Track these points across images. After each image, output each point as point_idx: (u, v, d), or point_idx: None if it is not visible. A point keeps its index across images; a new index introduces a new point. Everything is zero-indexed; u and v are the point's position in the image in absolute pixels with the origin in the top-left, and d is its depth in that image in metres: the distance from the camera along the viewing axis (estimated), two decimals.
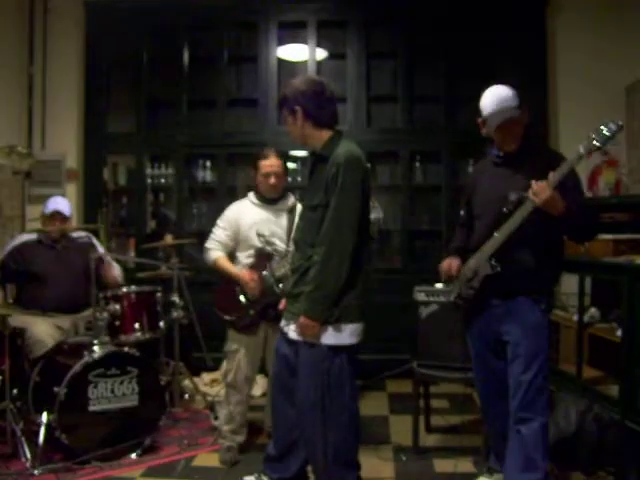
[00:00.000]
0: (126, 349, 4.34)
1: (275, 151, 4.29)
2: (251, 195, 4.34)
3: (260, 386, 5.64)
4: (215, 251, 4.28)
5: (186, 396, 5.38)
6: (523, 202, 3.05)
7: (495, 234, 3.15)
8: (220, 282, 4.31)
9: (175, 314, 5.02)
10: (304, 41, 6.43)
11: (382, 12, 6.38)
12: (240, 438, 4.25)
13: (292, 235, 3.70)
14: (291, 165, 6.51)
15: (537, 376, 3.15)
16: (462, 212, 3.64)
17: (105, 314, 4.42)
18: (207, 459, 4.22)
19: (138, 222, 6.54)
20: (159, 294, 4.84)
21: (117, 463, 4.05)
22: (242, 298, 4.15)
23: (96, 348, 4.19)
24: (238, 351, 4.16)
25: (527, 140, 3.24)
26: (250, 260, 4.19)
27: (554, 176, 2.96)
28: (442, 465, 4.04)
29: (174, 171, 6.57)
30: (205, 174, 6.68)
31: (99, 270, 4.75)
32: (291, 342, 3.22)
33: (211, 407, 4.90)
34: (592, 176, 5.43)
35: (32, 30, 6.45)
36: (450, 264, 3.47)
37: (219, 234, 4.29)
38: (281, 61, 6.47)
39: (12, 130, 6.15)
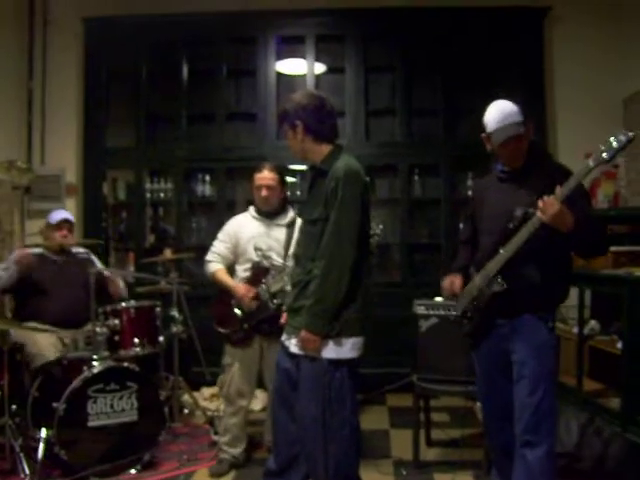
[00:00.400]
0: (125, 364, 4.32)
1: (271, 165, 4.33)
2: (251, 209, 4.38)
3: (260, 400, 5.62)
4: (214, 263, 4.32)
5: (185, 411, 5.36)
6: (529, 218, 2.99)
7: (501, 251, 3.11)
8: (217, 294, 4.36)
9: (174, 329, 5.02)
10: (303, 55, 6.45)
11: (380, 26, 6.41)
12: (235, 451, 4.26)
13: (292, 249, 3.72)
14: (290, 179, 6.50)
15: (544, 399, 3.06)
16: (462, 226, 3.61)
17: (104, 329, 4.41)
18: (206, 474, 4.20)
19: (137, 237, 6.54)
20: (158, 309, 4.83)
21: (116, 479, 4.03)
22: (237, 311, 4.19)
23: (95, 363, 4.18)
24: (233, 364, 4.23)
25: (532, 155, 3.20)
26: (247, 274, 4.22)
27: (561, 190, 2.88)
28: (443, 479, 4.03)
29: (173, 185, 6.58)
30: (204, 188, 6.69)
31: (104, 284, 4.76)
32: (292, 356, 3.20)
33: (211, 422, 4.88)
34: (591, 188, 5.43)
35: (31, 45, 6.47)
36: (452, 281, 3.42)
37: (219, 247, 4.34)
38: (280, 75, 6.49)
39: (11, 145, 6.16)
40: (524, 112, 3.15)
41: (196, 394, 5.51)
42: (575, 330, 4.51)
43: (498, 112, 3.15)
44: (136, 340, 4.62)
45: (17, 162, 5.44)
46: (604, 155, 2.81)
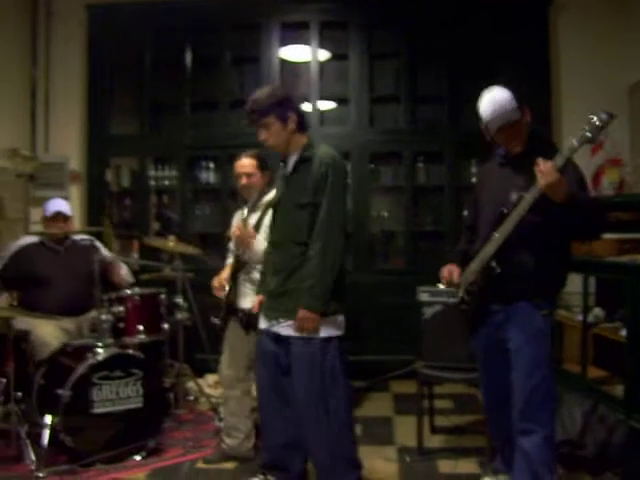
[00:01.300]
0: (130, 351, 4.33)
1: (250, 152, 4.21)
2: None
3: None
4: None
5: (190, 398, 5.38)
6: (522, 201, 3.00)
7: (495, 234, 3.11)
8: None
9: (179, 316, 5.01)
10: (306, 42, 6.43)
11: (384, 13, 6.39)
12: (230, 441, 4.14)
13: (263, 235, 3.72)
14: None
15: (539, 386, 3.06)
16: (465, 213, 3.62)
17: (109, 316, 4.42)
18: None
19: (142, 224, 6.55)
20: (163, 296, 4.84)
21: (121, 465, 4.05)
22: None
23: (100, 350, 4.19)
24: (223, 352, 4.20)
25: (533, 140, 3.20)
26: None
27: (555, 161, 2.89)
28: (446, 466, 4.04)
29: (177, 173, 6.57)
30: (208, 175, 6.69)
31: (106, 272, 4.76)
32: (280, 340, 3.24)
33: (215, 409, 4.89)
34: (596, 175, 5.41)
35: (35, 33, 6.48)
36: (450, 271, 3.43)
37: None
38: (283, 62, 6.47)
39: (16, 133, 6.16)
40: (521, 96, 3.14)
41: (200, 381, 5.52)
42: (579, 317, 4.50)
43: (490, 102, 3.14)
44: (141, 327, 4.63)
45: (21, 150, 5.45)
46: (587, 134, 2.85)
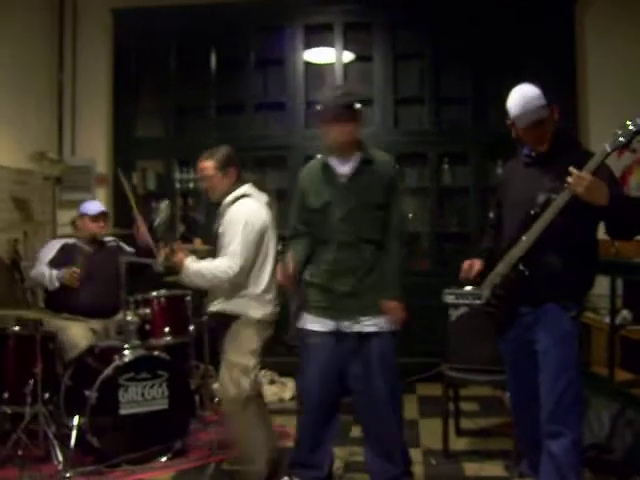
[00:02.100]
0: (156, 353, 4.35)
1: (208, 153, 3.92)
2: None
3: (290, 389, 5.65)
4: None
5: (216, 400, 5.39)
6: (551, 204, 2.98)
7: (523, 237, 3.08)
8: None
9: (204, 318, 5.03)
10: (330, 44, 6.43)
11: (408, 13, 6.38)
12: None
13: (338, 235, 3.38)
14: None
15: (567, 389, 3.04)
16: (491, 214, 3.59)
17: (135, 318, 4.45)
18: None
19: (167, 226, 6.57)
20: (189, 298, 4.86)
21: (147, 466, 4.07)
22: None
23: (127, 352, 4.21)
24: None
25: (558, 140, 3.16)
26: None
27: (588, 166, 2.82)
28: (472, 469, 4.02)
29: None
30: None
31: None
32: (358, 338, 3.28)
33: None
34: (623, 176, 5.37)
35: (61, 38, 6.55)
36: (471, 264, 3.39)
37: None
38: (308, 64, 6.48)
39: (43, 136, 6.23)
40: (548, 95, 3.11)
41: None
42: (607, 320, 4.46)
43: (520, 97, 3.12)
44: (167, 329, 4.65)
45: (48, 153, 5.51)
46: (621, 139, 2.78)
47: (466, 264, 3.40)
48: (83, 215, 4.93)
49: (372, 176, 3.31)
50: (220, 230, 3.66)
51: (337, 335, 3.33)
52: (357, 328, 3.29)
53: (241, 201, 3.69)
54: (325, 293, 3.37)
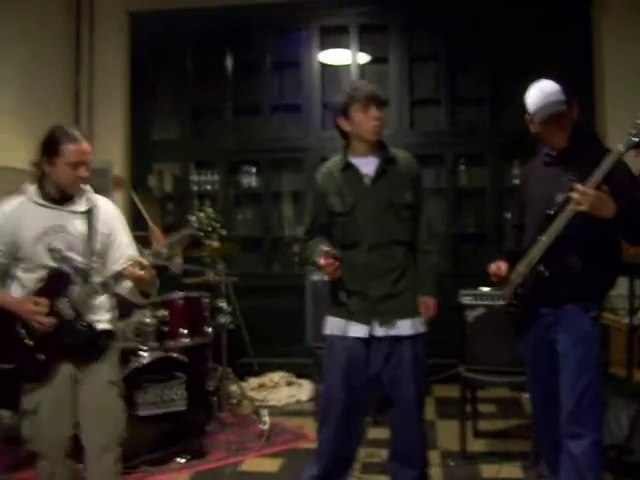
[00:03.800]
0: (174, 355, 4.38)
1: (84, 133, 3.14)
2: (31, 192, 3.06)
3: (306, 390, 5.66)
4: None
5: (233, 401, 5.41)
6: (570, 202, 2.95)
7: (542, 238, 3.06)
8: None
9: (222, 320, 5.05)
10: (346, 45, 6.44)
11: (423, 15, 6.39)
12: None
13: (368, 238, 3.24)
14: None
15: (588, 389, 3.00)
16: (508, 215, 3.57)
17: (153, 320, 4.47)
18: (255, 464, 4.24)
19: (184, 229, 6.59)
20: (206, 300, 4.88)
21: (165, 467, 4.10)
22: (24, 337, 2.96)
23: (144, 354, 4.24)
24: (38, 408, 2.94)
25: (578, 138, 3.13)
26: (39, 285, 2.98)
27: (595, 177, 2.81)
28: (490, 470, 4.00)
29: (219, 177, 6.64)
30: (250, 180, 6.73)
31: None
32: (396, 341, 3.21)
33: (258, 412, 4.91)
34: (639, 175, 5.32)
35: (78, 40, 6.59)
36: (499, 267, 3.38)
37: None
38: (324, 66, 6.50)
39: None
40: (567, 92, 3.09)
41: (243, 384, 5.56)
42: (625, 320, 4.44)
43: (539, 91, 3.11)
44: (184, 331, 4.67)
45: None
46: (634, 139, 2.75)
47: (493, 267, 3.38)
48: None
49: (396, 176, 3.27)
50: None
51: (370, 341, 3.22)
52: (393, 332, 3.19)
53: None
54: (358, 297, 3.23)
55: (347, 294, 3.25)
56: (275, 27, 6.54)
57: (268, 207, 6.53)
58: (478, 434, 4.62)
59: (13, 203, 3.03)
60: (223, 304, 5.08)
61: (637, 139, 2.74)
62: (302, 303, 4.94)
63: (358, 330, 3.20)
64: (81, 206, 3.10)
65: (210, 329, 4.86)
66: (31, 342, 2.93)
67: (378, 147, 3.29)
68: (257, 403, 5.26)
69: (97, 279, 3.01)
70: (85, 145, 3.01)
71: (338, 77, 6.53)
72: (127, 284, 3.06)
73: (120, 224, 3.28)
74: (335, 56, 6.51)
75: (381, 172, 3.25)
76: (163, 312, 4.60)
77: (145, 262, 2.96)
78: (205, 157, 6.70)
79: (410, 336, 3.19)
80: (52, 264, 2.96)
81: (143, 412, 4.10)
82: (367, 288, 3.21)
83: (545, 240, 3.03)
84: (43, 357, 2.93)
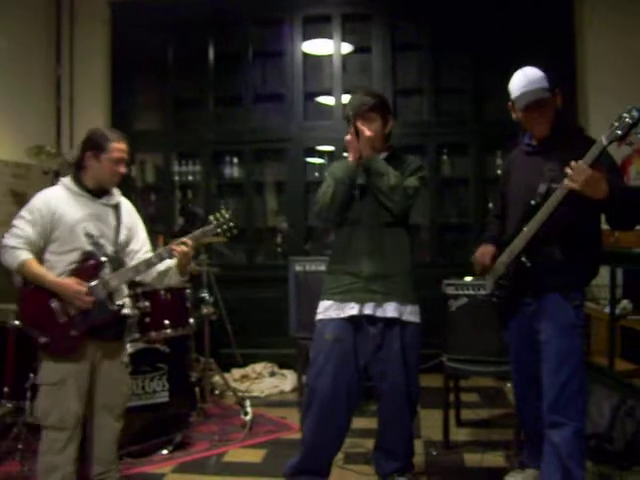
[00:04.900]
0: (156, 346, 4.35)
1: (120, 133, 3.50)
2: (69, 183, 3.36)
3: (290, 381, 5.66)
4: (23, 251, 3.20)
5: (216, 392, 5.40)
6: (552, 194, 2.95)
7: (524, 228, 3.06)
8: (26, 290, 3.30)
9: (205, 310, 5.04)
10: (329, 35, 6.42)
11: (406, 5, 6.36)
12: None
13: (360, 220, 3.33)
14: (319, 160, 6.55)
15: (570, 378, 3.02)
16: (491, 205, 3.57)
17: (135, 311, 4.44)
18: (238, 455, 4.23)
19: (166, 219, 6.59)
20: (189, 291, 4.86)
21: (148, 459, 4.08)
22: (59, 314, 3.20)
23: (127, 345, 4.20)
24: (62, 383, 3.19)
25: (560, 127, 3.13)
26: (73, 266, 3.25)
27: (585, 162, 2.77)
28: (473, 459, 4.01)
29: (201, 168, 6.61)
30: (232, 170, 6.70)
31: None
32: (385, 327, 3.22)
33: (241, 403, 4.90)
34: (623, 165, 5.35)
35: (59, 31, 6.53)
36: (484, 253, 3.37)
37: (27, 230, 3.22)
38: (306, 56, 6.47)
39: (41, 130, 6.22)
40: (551, 80, 3.09)
41: (226, 375, 5.54)
42: (607, 310, 4.47)
43: (523, 77, 3.11)
44: (167, 322, 4.64)
45: (46, 147, 5.48)
46: (617, 132, 2.73)
47: (479, 254, 3.38)
48: None
49: (397, 167, 3.30)
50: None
51: (359, 322, 3.23)
52: (380, 313, 3.21)
53: None
54: (350, 276, 3.27)
55: (340, 275, 3.30)
56: (257, 17, 6.50)
57: (251, 198, 6.50)
58: (461, 423, 4.63)
59: (53, 190, 3.36)
60: (205, 295, 5.07)
61: (620, 132, 2.73)
62: (285, 294, 4.92)
63: (348, 310, 3.23)
64: (112, 200, 3.43)
65: (193, 320, 4.84)
66: (65, 318, 3.20)
67: (386, 149, 3.43)
68: (240, 394, 5.25)
69: (131, 262, 3.37)
70: (124, 144, 3.39)
71: (321, 67, 6.52)
72: (165, 265, 3.39)
73: (139, 220, 3.58)
74: (318, 46, 6.48)
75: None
76: (145, 303, 4.56)
77: (189, 241, 3.28)
78: (187, 148, 6.67)
79: (400, 322, 3.20)
80: (87, 248, 3.26)
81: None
82: (360, 267, 3.25)
83: (527, 231, 3.03)
84: (75, 333, 3.20)
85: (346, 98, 6.42)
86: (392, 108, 6.14)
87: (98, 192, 3.37)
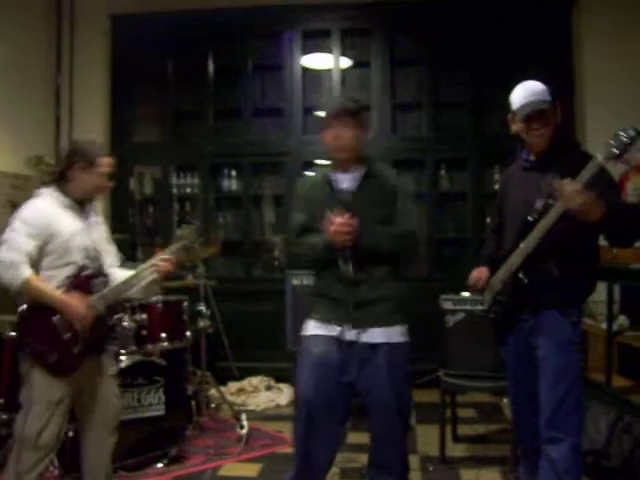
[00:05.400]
0: (153, 358, 4.34)
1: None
2: (56, 194, 3.26)
3: (286, 395, 5.64)
4: (24, 266, 3.06)
5: (212, 405, 5.39)
6: (549, 209, 2.96)
7: (521, 245, 3.06)
8: (27, 308, 3.17)
9: (202, 323, 5.03)
10: (328, 50, 6.44)
11: (406, 20, 6.39)
12: None
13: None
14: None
15: (567, 394, 3.00)
16: (488, 220, 3.57)
17: (132, 323, 4.44)
18: (234, 469, 4.22)
19: (164, 231, 6.58)
20: (186, 303, 4.85)
21: (143, 473, 4.06)
22: (62, 330, 3.12)
23: (123, 357, 4.20)
24: (62, 403, 3.14)
25: (558, 143, 3.13)
26: (69, 281, 3.17)
27: (579, 180, 2.77)
28: (469, 475, 4.00)
29: (200, 181, 6.61)
30: (231, 183, 6.71)
31: None
32: (370, 347, 3.14)
33: (237, 417, 4.89)
34: (620, 182, 5.36)
35: (60, 42, 6.54)
36: (479, 277, 3.38)
37: (27, 244, 3.09)
38: (305, 70, 6.50)
39: (40, 141, 6.22)
40: (552, 94, 3.10)
41: (223, 388, 5.53)
42: (604, 326, 4.46)
43: (525, 89, 3.11)
44: (163, 335, 4.63)
45: (45, 158, 5.49)
46: (614, 150, 2.73)
47: (474, 275, 3.38)
48: None
49: (376, 191, 3.18)
50: None
51: (344, 344, 3.17)
52: (365, 339, 3.13)
53: None
54: (334, 302, 3.21)
55: (326, 301, 3.23)
56: (257, 30, 6.53)
57: (249, 211, 6.51)
58: (457, 439, 4.62)
59: (43, 201, 3.22)
60: (202, 308, 5.06)
61: (617, 151, 2.73)
62: (282, 307, 4.92)
63: (333, 331, 3.18)
64: (91, 212, 3.38)
65: (189, 333, 4.83)
66: (69, 334, 3.11)
67: (361, 161, 3.22)
68: (236, 407, 5.23)
69: (123, 278, 3.28)
70: (110, 159, 3.41)
71: (320, 81, 6.53)
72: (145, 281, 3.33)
73: (106, 231, 3.52)
74: (317, 60, 6.50)
75: (360, 188, 3.18)
76: (142, 316, 4.56)
77: (171, 257, 3.28)
78: (186, 160, 6.67)
79: (386, 344, 3.12)
80: (82, 262, 3.19)
81: (121, 416, 4.05)
82: (344, 296, 3.17)
83: (525, 247, 3.03)
84: (77, 350, 3.13)
85: None
86: (391, 123, 6.34)
87: (80, 205, 3.30)
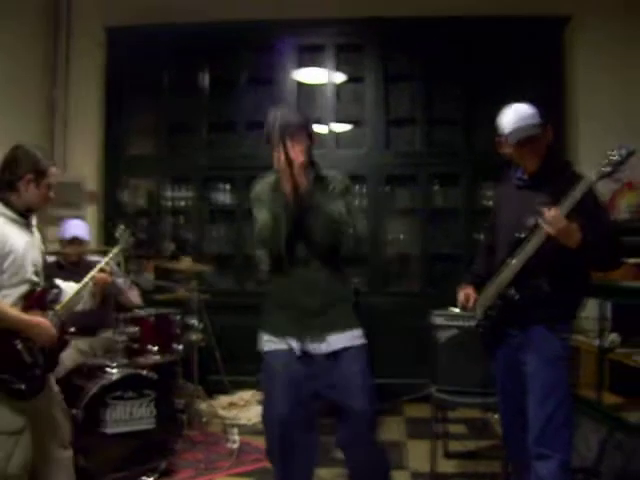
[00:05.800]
0: (144, 372, 4.32)
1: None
2: (2, 207, 3.02)
3: None
4: None
5: (203, 419, 5.36)
6: (540, 227, 2.98)
7: (513, 261, 3.08)
8: None
9: (193, 337, 5.02)
10: (322, 64, 6.47)
11: (400, 35, 6.41)
12: None
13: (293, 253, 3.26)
14: None
15: (556, 411, 3.01)
16: (481, 236, 3.59)
17: (123, 337, 4.43)
18: None
19: (157, 244, 6.58)
20: (177, 317, 4.84)
21: None
22: (24, 354, 2.93)
23: (113, 371, 4.19)
24: (25, 429, 2.93)
25: (550, 162, 3.16)
26: (23, 300, 2.98)
27: (565, 204, 2.85)
28: None
29: (193, 194, 6.62)
30: (224, 197, 6.72)
31: (118, 294, 4.74)
32: (330, 356, 3.12)
33: (228, 430, 4.87)
34: (612, 199, 5.39)
35: (55, 54, 6.57)
36: (467, 295, 3.41)
37: None
38: (299, 84, 6.52)
39: None
40: (542, 116, 3.12)
41: (213, 402, 5.51)
42: (595, 343, 4.46)
43: (513, 113, 3.14)
44: (154, 348, 4.63)
45: None
46: (606, 169, 2.81)
47: (462, 296, 3.40)
48: (59, 236, 4.86)
49: (325, 192, 3.17)
50: None
51: (302, 355, 3.15)
52: (324, 348, 3.11)
53: None
54: (288, 311, 3.23)
55: (278, 309, 3.28)
56: (252, 44, 6.55)
57: (241, 224, 6.51)
58: (449, 455, 4.61)
59: None
60: (194, 321, 5.05)
61: (609, 169, 2.79)
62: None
63: (290, 344, 3.17)
64: (34, 224, 3.19)
65: (180, 346, 4.82)
66: (30, 358, 2.93)
67: (309, 166, 3.22)
68: (227, 421, 5.21)
69: (74, 289, 3.23)
70: (55, 169, 3.15)
71: (314, 96, 6.55)
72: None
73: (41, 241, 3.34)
74: (311, 75, 6.53)
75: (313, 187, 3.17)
76: (133, 329, 4.55)
77: (108, 267, 3.38)
78: (179, 173, 6.68)
79: (345, 349, 3.10)
80: (33, 278, 3.02)
81: (111, 430, 4.04)
82: (297, 303, 3.17)
83: (515, 264, 3.05)
84: (39, 372, 2.98)
85: (338, 127, 6.47)
86: (385, 138, 6.36)
87: (24, 217, 3.09)
